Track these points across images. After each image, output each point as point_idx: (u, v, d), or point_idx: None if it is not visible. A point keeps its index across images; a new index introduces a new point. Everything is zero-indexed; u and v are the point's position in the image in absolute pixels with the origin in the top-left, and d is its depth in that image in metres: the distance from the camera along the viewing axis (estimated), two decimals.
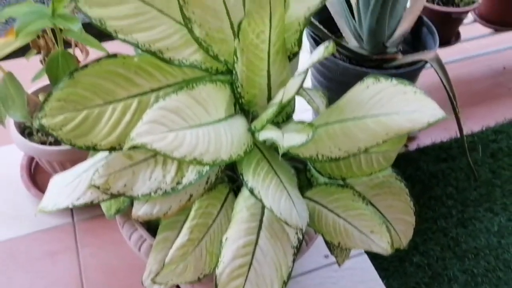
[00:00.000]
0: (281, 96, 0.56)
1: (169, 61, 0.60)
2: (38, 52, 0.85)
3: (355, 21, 1.17)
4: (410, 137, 1.36)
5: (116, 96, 0.60)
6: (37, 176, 1.05)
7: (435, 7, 1.30)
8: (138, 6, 0.60)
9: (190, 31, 0.61)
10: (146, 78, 0.62)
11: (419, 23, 1.20)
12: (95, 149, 0.59)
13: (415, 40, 1.23)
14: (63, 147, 0.90)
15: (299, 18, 0.65)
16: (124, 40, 0.58)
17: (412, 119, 0.55)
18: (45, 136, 0.94)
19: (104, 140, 0.59)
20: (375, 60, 1.15)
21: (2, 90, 0.74)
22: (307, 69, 0.54)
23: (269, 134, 0.56)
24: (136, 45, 0.58)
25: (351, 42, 1.19)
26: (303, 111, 1.28)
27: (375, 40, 1.13)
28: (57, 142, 0.94)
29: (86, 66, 0.60)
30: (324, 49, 0.51)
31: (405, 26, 1.18)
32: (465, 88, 1.54)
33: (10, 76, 0.75)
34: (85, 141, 0.58)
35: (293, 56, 0.67)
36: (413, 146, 1.35)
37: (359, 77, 1.07)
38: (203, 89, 0.59)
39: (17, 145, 0.92)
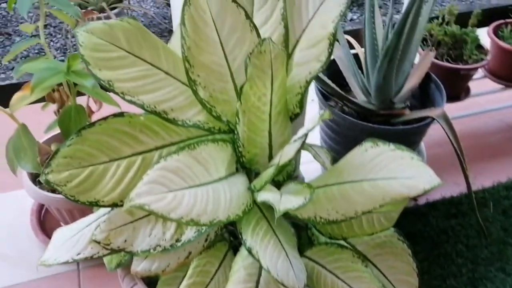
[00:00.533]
0: (278, 159, 0.58)
1: (173, 122, 0.62)
2: (53, 103, 0.89)
3: (363, 76, 1.19)
4: None
5: (121, 153, 0.62)
6: (46, 222, 1.07)
7: (443, 63, 1.32)
8: (146, 69, 0.63)
9: (195, 93, 0.64)
10: (151, 136, 0.64)
11: (427, 79, 1.22)
12: (97, 205, 0.60)
13: (423, 95, 1.24)
14: None
15: (301, 81, 0.67)
16: (130, 101, 0.61)
17: (408, 185, 0.55)
18: None
19: (107, 196, 0.60)
20: (383, 115, 1.16)
21: (15, 141, 0.77)
22: (305, 135, 0.55)
23: (266, 196, 0.57)
24: (141, 107, 0.61)
25: (359, 97, 1.21)
26: (309, 161, 1.28)
27: (383, 95, 1.14)
28: None
29: (93, 124, 0.62)
30: (318, 118, 0.52)
31: (413, 82, 1.20)
32: (476, 142, 1.53)
33: (24, 128, 0.78)
34: (88, 197, 0.60)
35: (294, 116, 0.69)
36: (422, 200, 1.34)
37: (366, 132, 1.09)
38: (205, 149, 0.61)
39: (27, 192, 0.94)
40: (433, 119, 1.10)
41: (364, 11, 1.12)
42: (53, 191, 0.96)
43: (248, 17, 0.66)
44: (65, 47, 2.02)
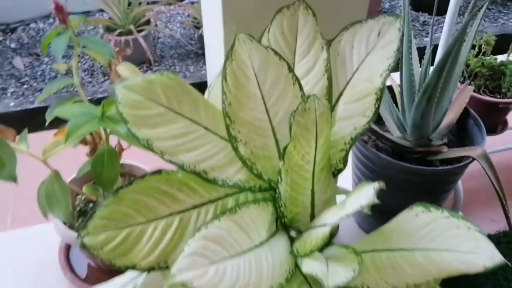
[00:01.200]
0: (328, 230, 0.55)
1: (213, 182, 0.60)
2: (85, 145, 0.87)
3: (398, 111, 1.16)
4: None
5: (158, 213, 0.60)
6: (74, 260, 1.05)
7: (481, 97, 1.28)
8: (185, 125, 0.60)
9: (236, 149, 0.61)
10: (189, 194, 0.62)
11: (465, 114, 1.18)
12: (134, 268, 0.58)
13: (461, 131, 1.20)
14: None
15: (345, 138, 0.64)
16: (170, 161, 0.58)
17: (466, 261, 0.52)
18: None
19: (144, 260, 0.58)
20: (419, 153, 1.12)
21: (48, 187, 0.75)
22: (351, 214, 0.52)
23: (312, 267, 0.54)
24: (181, 167, 0.58)
25: (394, 132, 1.17)
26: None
27: (420, 133, 1.10)
28: None
29: (131, 183, 0.60)
30: (373, 195, 0.49)
31: (450, 117, 1.16)
32: None
33: (56, 175, 0.76)
34: (124, 261, 0.58)
35: (337, 172, 0.66)
36: None
37: (403, 172, 1.05)
38: (246, 212, 0.58)
39: (56, 231, 0.93)
40: (473, 159, 1.06)
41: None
42: None
43: (291, 70, 0.63)
44: (92, 69, 2.02)
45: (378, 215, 1.21)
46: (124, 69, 0.91)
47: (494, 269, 1.20)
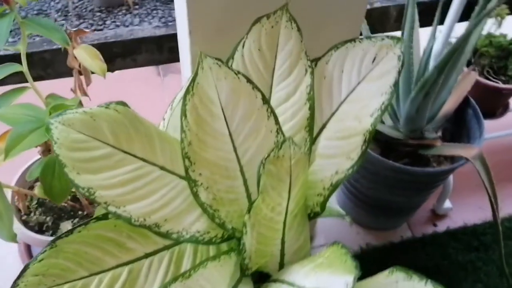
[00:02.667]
0: None
1: (166, 235, 0.51)
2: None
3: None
4: (441, 215, 1.26)
5: (103, 265, 0.52)
6: (35, 252, 0.99)
7: (485, 81, 1.17)
8: (136, 167, 0.51)
9: (195, 195, 0.52)
10: (140, 241, 0.54)
11: (464, 103, 1.08)
12: None
13: (458, 119, 1.11)
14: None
15: (325, 181, 0.55)
16: (115, 214, 0.49)
17: None
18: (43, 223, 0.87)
19: None
20: (411, 145, 1.04)
21: None
22: None
23: None
24: (128, 221, 0.50)
25: (386, 120, 1.08)
26: None
27: (413, 125, 1.01)
28: (55, 230, 0.87)
29: (71, 231, 0.52)
30: None
31: (449, 106, 1.06)
32: (508, 161, 1.40)
33: None
34: None
35: (314, 215, 0.58)
36: (442, 227, 1.24)
37: (389, 169, 0.97)
38: (203, 274, 0.51)
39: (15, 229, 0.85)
40: (467, 160, 0.98)
41: (402, 27, 0.96)
42: (40, 231, 0.87)
43: (266, 101, 0.53)
44: (66, 9, 1.85)
45: (369, 208, 1.16)
46: (83, 52, 0.79)
47: (476, 262, 1.16)
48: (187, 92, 0.49)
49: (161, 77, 1.59)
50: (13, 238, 0.67)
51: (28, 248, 0.96)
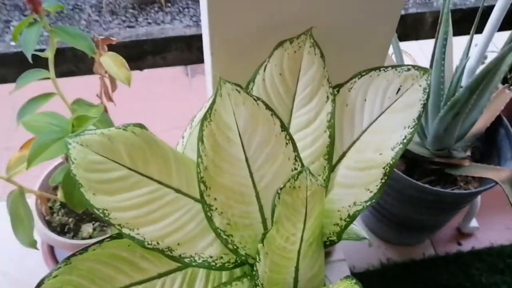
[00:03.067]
0: None
1: (179, 260, 0.51)
2: None
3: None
4: (466, 234, 1.22)
5: (116, 284, 0.53)
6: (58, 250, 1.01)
7: None
8: (152, 190, 0.51)
9: (209, 219, 0.52)
10: (154, 261, 0.54)
11: (496, 122, 1.04)
12: None
13: (489, 138, 1.07)
14: (78, 241, 0.85)
15: (342, 212, 0.54)
16: (128, 236, 0.50)
17: None
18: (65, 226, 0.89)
19: None
20: (438, 163, 1.01)
21: (13, 205, 0.68)
22: None
23: None
24: (141, 244, 0.50)
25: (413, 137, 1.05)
26: None
27: (441, 144, 0.99)
28: (76, 232, 0.89)
29: (86, 249, 0.52)
30: None
31: (479, 126, 1.03)
32: None
33: (21, 194, 0.69)
34: None
35: (330, 243, 0.57)
36: (467, 246, 1.21)
37: (413, 188, 0.95)
38: None
39: (36, 229, 0.87)
40: (496, 183, 0.94)
41: (435, 42, 0.93)
42: (62, 232, 0.89)
43: (284, 128, 0.52)
44: (100, 5, 1.87)
45: (391, 223, 1.14)
46: (109, 60, 0.80)
47: (501, 285, 1.12)
48: (204, 118, 0.49)
49: (189, 77, 1.59)
50: (33, 244, 0.69)
51: (51, 249, 0.98)
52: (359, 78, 0.55)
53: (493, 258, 1.18)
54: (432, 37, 1.35)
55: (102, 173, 0.49)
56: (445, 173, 1.01)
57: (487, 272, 1.15)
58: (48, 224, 0.90)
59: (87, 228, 0.91)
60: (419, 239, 1.19)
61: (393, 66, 0.53)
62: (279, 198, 0.49)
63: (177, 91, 1.53)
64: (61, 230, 0.90)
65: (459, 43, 1.01)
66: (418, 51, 1.59)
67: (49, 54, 0.75)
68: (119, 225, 0.50)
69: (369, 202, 0.52)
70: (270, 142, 0.52)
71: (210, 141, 0.50)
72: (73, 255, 0.52)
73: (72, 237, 0.89)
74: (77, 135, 0.49)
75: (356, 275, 1.11)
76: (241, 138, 0.51)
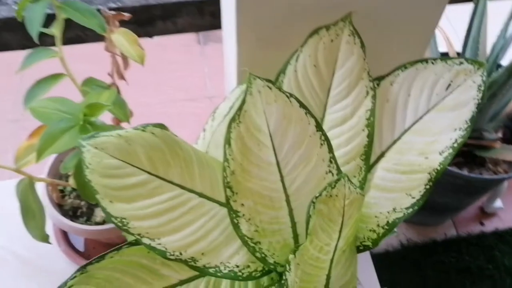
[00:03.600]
0: None
1: (203, 270, 0.47)
2: None
3: None
4: (489, 214, 1.18)
5: None
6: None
7: None
8: (173, 196, 0.47)
9: (236, 226, 0.48)
10: (175, 268, 0.50)
11: None
12: None
13: None
14: (92, 227, 0.82)
15: (380, 218, 0.50)
16: (149, 246, 0.46)
17: None
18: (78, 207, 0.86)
19: None
20: (467, 145, 0.96)
21: (23, 196, 0.65)
22: None
23: None
24: (163, 254, 0.46)
25: None
26: None
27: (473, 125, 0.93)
28: (89, 216, 0.86)
29: (103, 256, 0.48)
30: None
31: None
32: None
33: (30, 185, 0.65)
34: None
35: (364, 248, 0.53)
36: (490, 227, 1.17)
37: (447, 175, 0.90)
38: None
39: (48, 215, 0.84)
40: None
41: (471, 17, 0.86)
42: (75, 216, 0.86)
43: (319, 127, 0.47)
44: None
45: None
46: (121, 37, 0.74)
47: None
48: (232, 119, 0.44)
49: (201, 45, 1.52)
50: (45, 238, 0.66)
51: (64, 233, 0.96)
52: (402, 71, 0.49)
53: None
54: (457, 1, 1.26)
55: (119, 179, 0.45)
56: (473, 154, 0.96)
57: (510, 255, 1.12)
58: (60, 207, 0.87)
59: (100, 212, 0.87)
60: (441, 220, 1.15)
61: (442, 59, 0.47)
62: (314, 207, 0.44)
63: (189, 59, 1.47)
64: (73, 214, 0.87)
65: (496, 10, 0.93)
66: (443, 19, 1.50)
67: (56, 32, 0.70)
68: (139, 234, 0.46)
69: (411, 209, 0.48)
70: (303, 143, 0.47)
71: (238, 144, 0.45)
72: (90, 263, 0.48)
73: (85, 222, 0.86)
74: (92, 137, 0.45)
75: (375, 256, 1.08)
76: (272, 140, 0.46)
